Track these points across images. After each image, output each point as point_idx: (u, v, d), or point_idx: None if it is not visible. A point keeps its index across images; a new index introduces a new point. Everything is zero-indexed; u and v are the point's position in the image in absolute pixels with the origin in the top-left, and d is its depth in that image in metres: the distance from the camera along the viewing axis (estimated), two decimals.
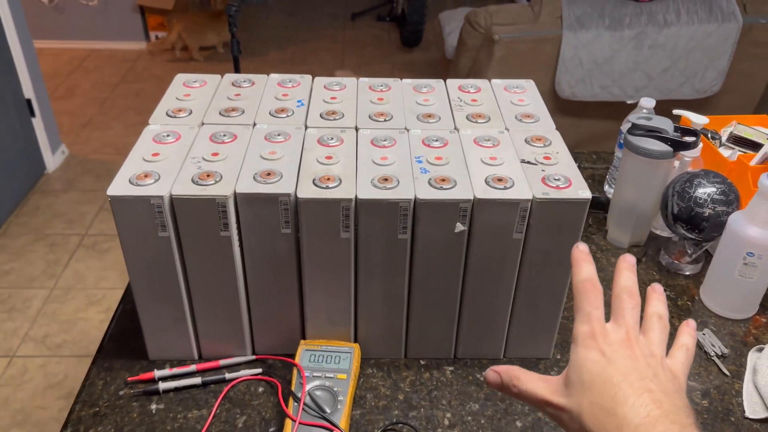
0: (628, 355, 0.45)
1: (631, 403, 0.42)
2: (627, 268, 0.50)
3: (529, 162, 0.76)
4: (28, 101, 2.56)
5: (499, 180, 0.72)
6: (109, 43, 3.83)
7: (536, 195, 0.70)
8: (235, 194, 0.69)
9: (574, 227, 0.72)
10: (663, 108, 2.01)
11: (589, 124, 2.44)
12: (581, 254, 0.51)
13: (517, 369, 0.50)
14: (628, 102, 2.38)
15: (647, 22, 2.22)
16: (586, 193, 0.71)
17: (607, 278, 0.98)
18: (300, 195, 0.69)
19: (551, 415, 0.47)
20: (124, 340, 0.85)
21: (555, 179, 0.72)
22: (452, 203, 0.70)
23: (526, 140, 0.81)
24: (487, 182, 0.72)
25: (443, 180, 0.72)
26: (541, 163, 0.76)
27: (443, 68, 2.90)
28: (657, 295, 0.51)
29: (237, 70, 2.13)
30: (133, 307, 0.90)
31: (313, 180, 0.72)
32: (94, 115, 3.19)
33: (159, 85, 3.48)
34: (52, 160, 2.73)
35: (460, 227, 0.72)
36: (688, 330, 0.52)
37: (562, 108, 2.35)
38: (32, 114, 2.59)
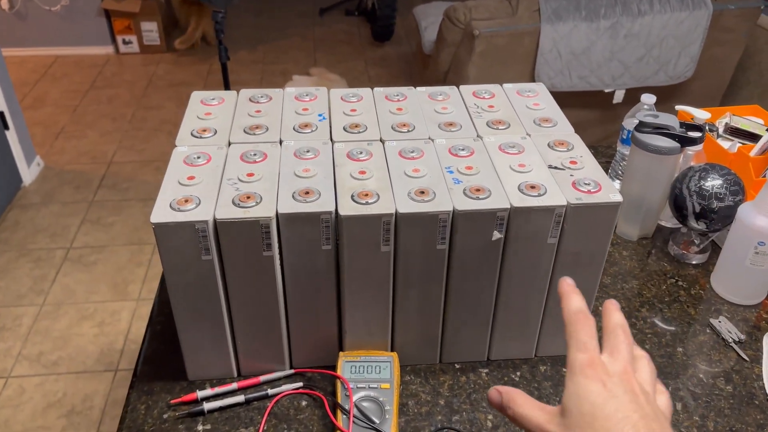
0: (629, 389, 0.44)
1: None
2: (617, 309, 0.51)
3: (556, 167, 0.78)
4: (1, 114, 2.50)
5: (532, 187, 0.74)
6: (75, 49, 3.74)
7: (570, 201, 0.72)
8: (278, 215, 0.70)
9: (605, 229, 0.75)
10: (639, 96, 2.06)
11: (569, 114, 2.47)
12: (569, 287, 0.51)
13: (517, 392, 0.49)
14: (606, 91, 2.43)
15: (622, 12, 2.27)
16: (617, 197, 0.73)
17: (621, 272, 1.02)
18: (341, 212, 0.70)
19: None
20: (159, 362, 0.85)
21: (585, 184, 0.75)
22: (490, 213, 0.72)
23: (549, 145, 0.83)
24: (520, 190, 0.74)
25: (478, 190, 0.74)
26: (569, 168, 0.78)
27: (421, 63, 2.92)
28: (627, 334, 0.50)
29: (225, 76, 2.11)
30: (162, 327, 0.90)
31: (352, 196, 0.73)
32: (67, 123, 3.12)
33: (131, 91, 3.42)
34: (28, 173, 2.67)
35: (497, 235, 0.74)
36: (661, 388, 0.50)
37: None
38: (6, 127, 2.52)
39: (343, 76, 3.57)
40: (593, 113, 2.55)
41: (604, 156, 1.32)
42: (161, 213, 0.69)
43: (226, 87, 2.25)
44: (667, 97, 2.51)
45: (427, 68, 2.68)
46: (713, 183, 0.95)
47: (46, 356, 1.94)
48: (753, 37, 2.48)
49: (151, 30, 3.74)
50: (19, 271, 2.24)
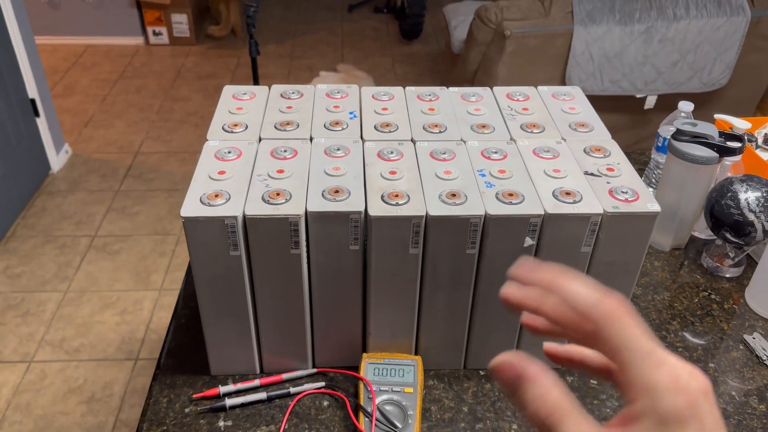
0: None
1: None
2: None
3: (592, 174, 0.77)
4: (32, 101, 2.53)
5: (567, 194, 0.73)
6: (105, 39, 3.78)
7: (606, 209, 0.71)
8: (307, 213, 0.69)
9: (641, 239, 0.73)
10: (671, 101, 2.02)
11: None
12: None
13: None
14: (638, 96, 2.39)
15: (657, 17, 2.23)
16: (655, 207, 0.71)
17: (652, 283, 1.00)
18: (371, 213, 0.69)
19: None
20: (182, 356, 0.85)
21: (622, 192, 0.73)
22: (522, 219, 0.70)
23: (585, 150, 0.81)
24: (555, 196, 0.72)
25: (511, 195, 0.72)
26: (605, 175, 0.76)
27: (449, 62, 2.90)
28: None
29: (254, 71, 2.12)
30: (187, 321, 0.90)
31: (381, 196, 0.72)
32: (95, 112, 3.15)
33: (159, 81, 3.44)
34: (57, 160, 2.70)
35: (528, 242, 0.72)
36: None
37: None
38: (36, 114, 2.55)
39: (370, 72, 3.56)
40: (624, 118, 2.50)
41: (637, 163, 1.29)
42: (191, 207, 0.69)
43: (255, 81, 2.25)
44: (700, 104, 2.45)
45: (455, 67, 2.65)
46: (751, 196, 0.92)
47: (68, 342, 1.96)
48: None
49: (181, 22, 3.76)
50: (44, 257, 2.27)
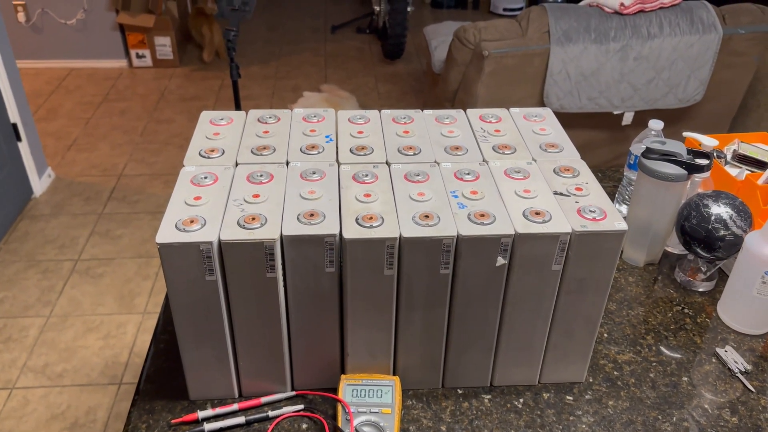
0: None
1: None
2: None
3: (561, 194, 0.78)
4: (14, 125, 2.52)
5: (537, 213, 0.74)
6: (89, 62, 3.78)
7: (575, 228, 0.72)
8: (282, 237, 0.71)
9: (610, 256, 0.75)
10: (648, 118, 2.05)
11: (577, 135, 2.49)
12: None
13: None
14: (615, 113, 2.43)
15: (632, 35, 2.28)
16: (622, 225, 0.73)
17: (627, 298, 1.01)
18: (346, 235, 0.71)
19: None
20: (161, 381, 0.85)
21: (590, 211, 0.75)
22: (494, 239, 0.72)
23: (554, 171, 0.83)
24: (525, 216, 0.74)
25: (482, 215, 0.74)
26: (574, 195, 0.78)
27: (431, 81, 2.93)
28: None
29: (236, 94, 2.13)
30: (166, 346, 0.90)
31: (356, 219, 0.73)
32: (79, 135, 3.15)
33: (143, 104, 3.45)
34: (39, 184, 2.69)
35: (501, 261, 0.74)
36: None
37: None
38: (18, 138, 2.55)
39: (353, 92, 3.59)
40: (602, 134, 2.54)
41: (612, 180, 1.32)
42: (167, 233, 0.70)
43: (237, 105, 2.27)
44: (676, 119, 2.50)
45: (436, 86, 2.69)
46: (720, 211, 0.95)
47: (51, 368, 1.94)
48: (764, 60, 2.47)
49: (164, 45, 3.78)
50: (27, 281, 2.25)
